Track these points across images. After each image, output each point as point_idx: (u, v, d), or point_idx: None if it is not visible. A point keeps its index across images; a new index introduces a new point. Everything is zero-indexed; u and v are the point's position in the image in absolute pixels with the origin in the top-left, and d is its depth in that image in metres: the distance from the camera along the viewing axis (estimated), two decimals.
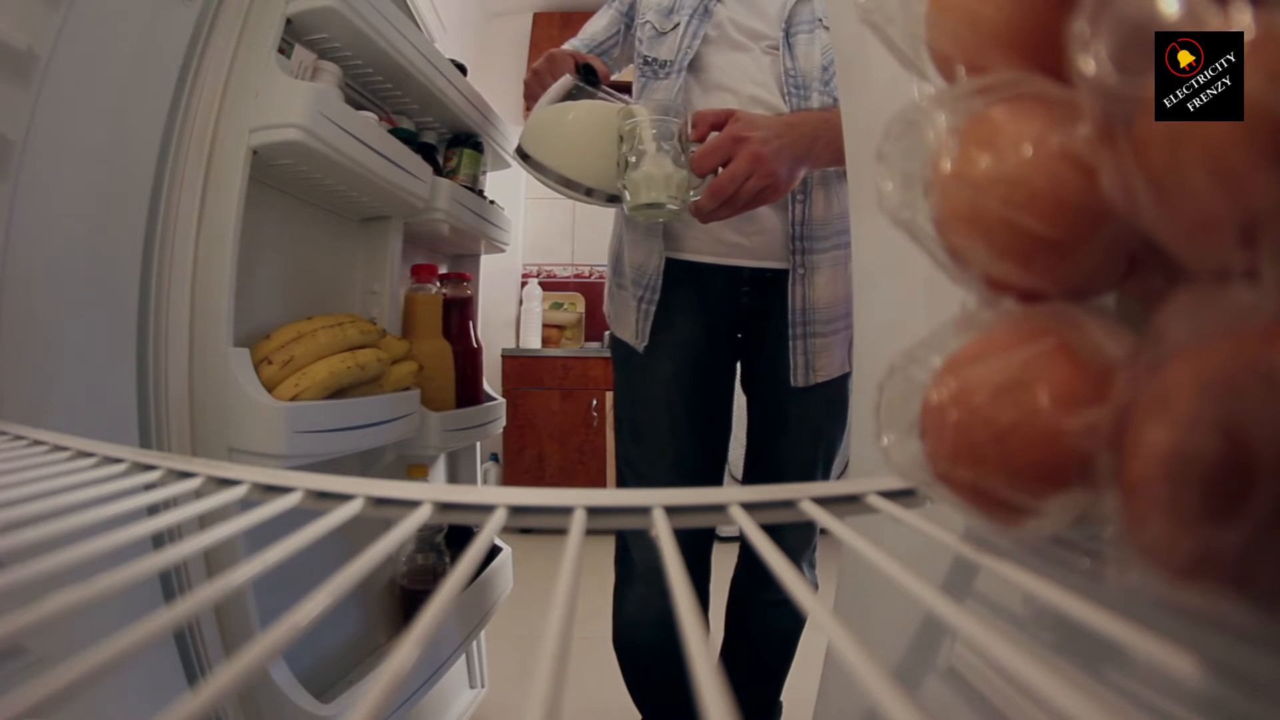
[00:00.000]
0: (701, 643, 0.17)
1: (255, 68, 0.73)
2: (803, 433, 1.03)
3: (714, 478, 1.07)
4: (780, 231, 0.98)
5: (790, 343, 0.98)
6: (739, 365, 1.10)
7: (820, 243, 0.97)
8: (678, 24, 1.02)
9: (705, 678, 0.15)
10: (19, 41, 0.53)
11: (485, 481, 2.45)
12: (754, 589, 1.12)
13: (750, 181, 0.80)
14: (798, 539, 1.05)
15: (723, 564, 1.13)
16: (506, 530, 0.29)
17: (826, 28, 0.99)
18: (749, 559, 1.16)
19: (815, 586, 1.13)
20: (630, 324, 1.03)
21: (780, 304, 0.99)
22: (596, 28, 1.15)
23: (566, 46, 1.11)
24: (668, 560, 0.22)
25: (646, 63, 1.04)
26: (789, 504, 0.30)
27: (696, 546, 1.05)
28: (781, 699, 1.16)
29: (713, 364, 1.04)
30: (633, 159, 0.79)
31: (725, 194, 0.80)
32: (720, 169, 0.80)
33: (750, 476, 1.11)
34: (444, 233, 1.14)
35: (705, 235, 0.98)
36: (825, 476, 1.05)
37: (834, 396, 1.01)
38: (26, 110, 0.54)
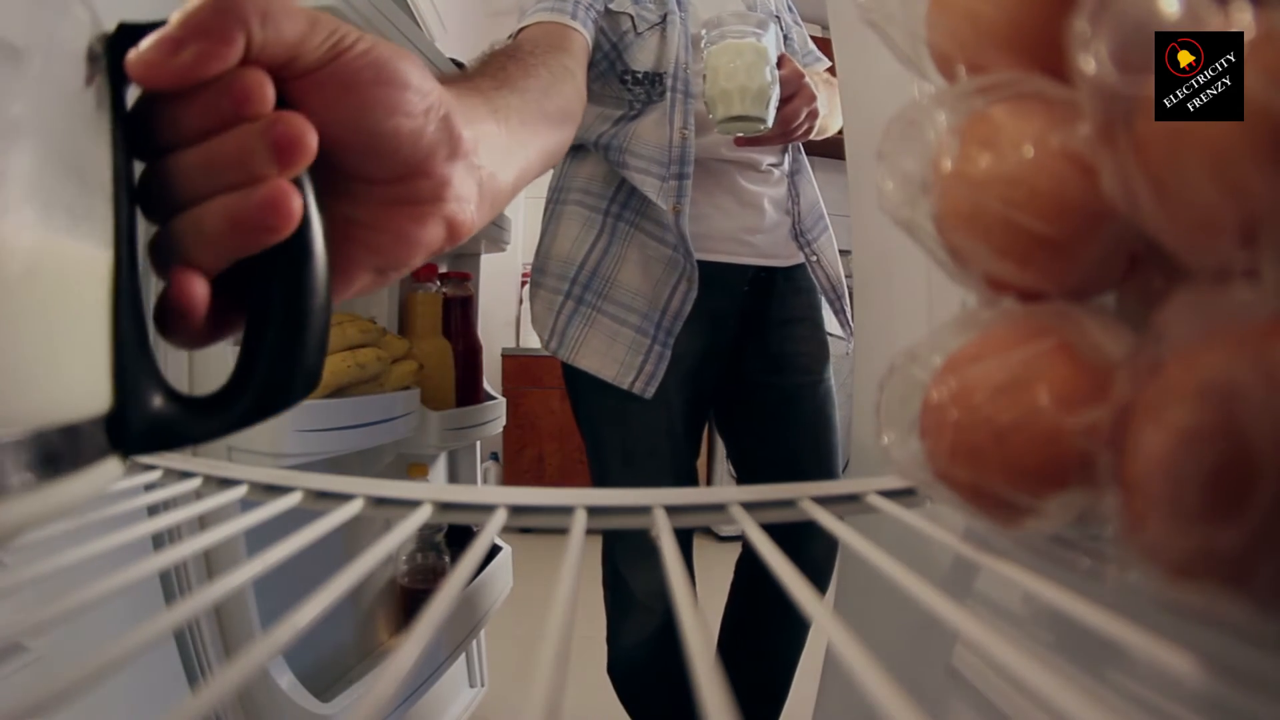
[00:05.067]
0: (706, 654, 0.17)
1: None
2: (818, 423, 1.02)
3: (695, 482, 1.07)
4: (777, 231, 0.99)
5: (836, 317, 1.01)
6: (735, 367, 1.06)
7: (813, 230, 1.02)
8: (660, 23, 0.90)
9: (710, 694, 0.15)
10: (17, 39, 0.53)
11: (485, 480, 2.45)
12: (750, 625, 1.07)
13: (806, 119, 0.85)
14: (822, 553, 0.96)
15: (720, 563, 1.12)
16: (506, 529, 0.29)
17: (797, 24, 1.02)
18: (748, 600, 1.09)
19: None
20: (627, 365, 0.90)
21: (776, 301, 1.00)
22: None
23: (546, 14, 0.78)
24: (669, 562, 0.22)
25: (638, 80, 0.89)
26: (789, 503, 0.30)
27: (682, 546, 1.02)
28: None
29: (709, 375, 1.00)
30: (743, 75, 0.77)
31: (790, 124, 0.83)
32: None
33: (761, 475, 1.06)
34: None
35: (717, 235, 0.95)
36: (839, 463, 1.05)
37: (828, 381, 1.03)
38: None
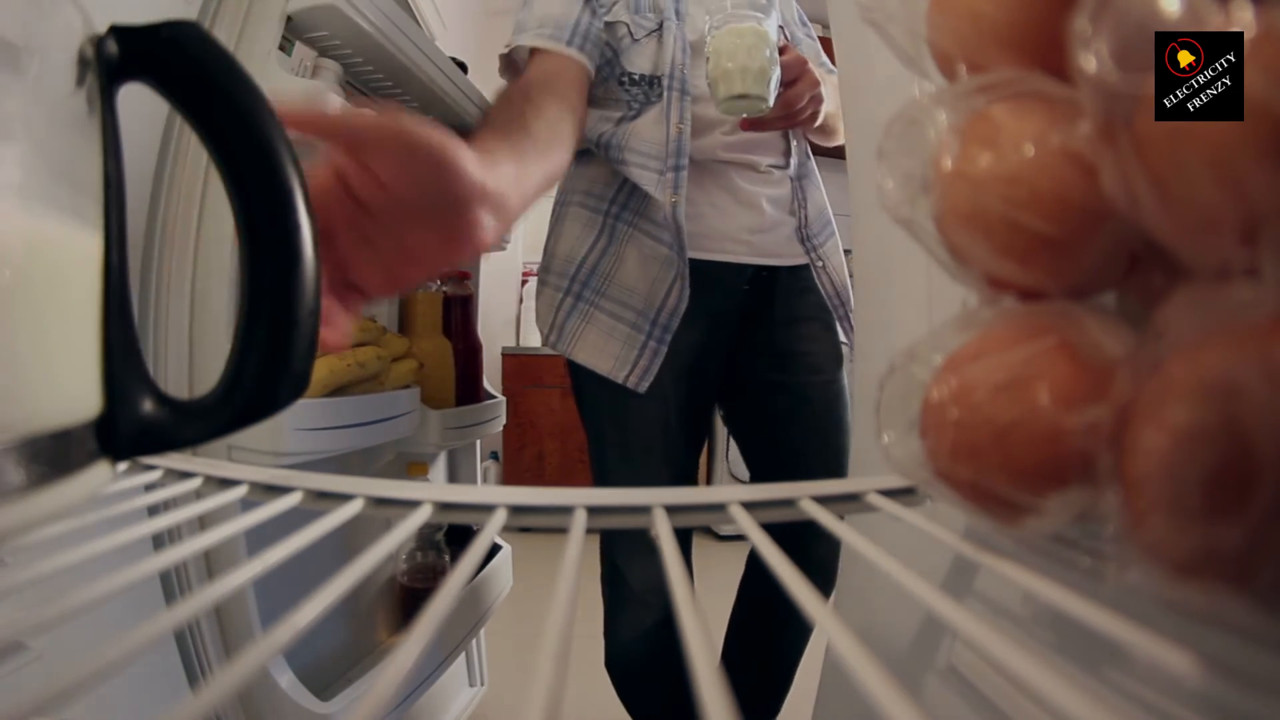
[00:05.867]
0: (704, 649, 0.17)
1: (255, 66, 0.73)
2: (827, 423, 1.03)
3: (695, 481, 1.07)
4: (778, 230, 1.00)
5: (839, 324, 1.02)
6: (736, 365, 1.07)
7: (819, 236, 1.02)
8: (658, 28, 0.92)
9: (708, 688, 0.15)
10: (16, 38, 0.53)
11: (485, 479, 2.45)
12: (759, 616, 1.09)
13: (809, 104, 0.87)
14: (828, 551, 0.94)
15: (721, 564, 1.12)
16: (506, 529, 0.29)
17: (806, 35, 1.03)
18: (754, 597, 1.10)
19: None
20: (621, 360, 0.93)
21: (781, 299, 1.01)
22: (563, 11, 0.86)
23: (542, 40, 0.84)
24: (668, 561, 0.22)
25: (635, 82, 0.93)
26: (789, 503, 0.30)
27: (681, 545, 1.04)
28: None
29: (708, 371, 1.02)
30: (744, 55, 0.80)
31: (793, 108, 0.86)
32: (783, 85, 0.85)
33: (769, 475, 1.07)
34: None
35: (714, 234, 0.97)
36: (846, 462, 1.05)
37: (840, 376, 1.04)
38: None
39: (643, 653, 1.00)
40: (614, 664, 1.04)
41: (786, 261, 1.00)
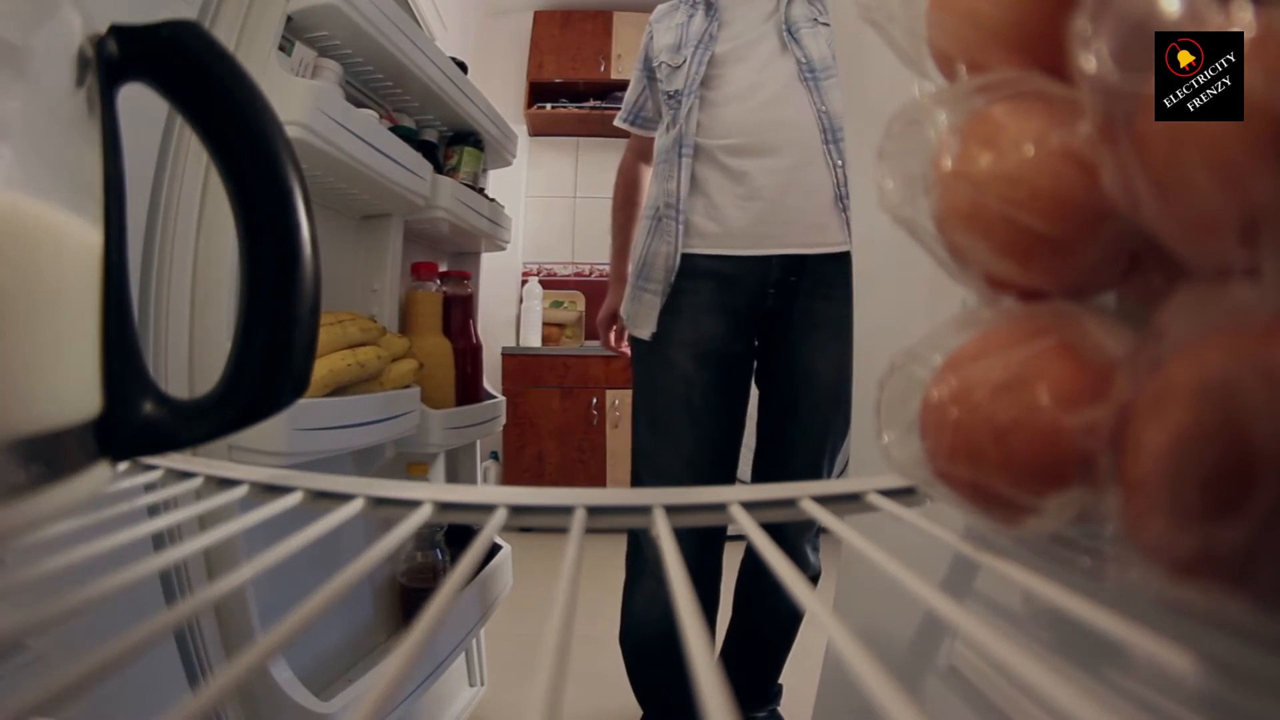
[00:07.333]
0: (701, 640, 0.17)
1: (255, 65, 0.73)
2: (814, 420, 1.12)
3: (727, 473, 1.16)
4: (806, 219, 1.07)
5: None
6: (756, 362, 1.19)
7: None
8: (685, 58, 1.15)
9: (705, 675, 0.15)
10: (16, 38, 0.53)
11: (485, 479, 2.45)
12: (760, 572, 1.19)
13: None
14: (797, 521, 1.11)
15: (731, 563, 1.13)
16: (506, 529, 0.29)
17: (825, 24, 1.08)
18: (752, 566, 1.23)
19: (819, 570, 1.21)
20: (650, 321, 1.14)
21: (801, 303, 1.10)
22: (631, 95, 1.31)
23: (619, 123, 1.34)
24: (667, 559, 0.22)
25: (670, 96, 1.18)
26: (789, 503, 0.30)
27: (710, 544, 1.12)
28: (780, 681, 1.21)
29: (732, 359, 1.13)
30: None
31: None
32: None
33: (761, 463, 1.21)
34: (444, 231, 1.14)
35: (738, 232, 1.08)
36: (831, 463, 1.15)
37: (841, 386, 1.09)
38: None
39: (652, 625, 1.11)
40: (625, 633, 1.14)
41: (815, 250, 1.08)
